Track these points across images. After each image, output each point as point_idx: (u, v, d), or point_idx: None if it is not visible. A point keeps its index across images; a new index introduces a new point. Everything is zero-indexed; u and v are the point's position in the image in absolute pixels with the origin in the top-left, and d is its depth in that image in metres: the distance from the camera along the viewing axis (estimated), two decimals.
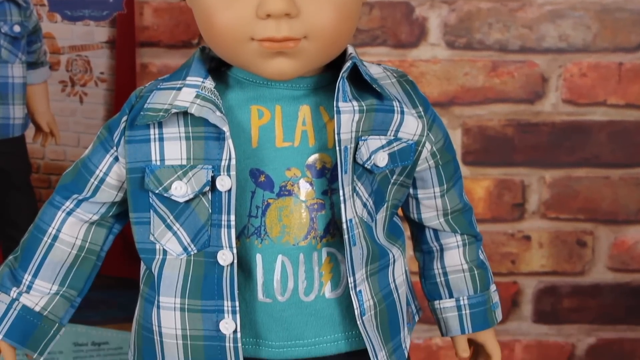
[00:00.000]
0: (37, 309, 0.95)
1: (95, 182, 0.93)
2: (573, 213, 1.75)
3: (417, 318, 1.01)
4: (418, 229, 1.01)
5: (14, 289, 0.95)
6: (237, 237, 0.88)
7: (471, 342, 1.03)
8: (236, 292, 0.86)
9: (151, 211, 0.90)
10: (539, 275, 1.77)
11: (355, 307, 0.87)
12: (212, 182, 0.86)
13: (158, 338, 0.91)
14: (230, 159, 0.85)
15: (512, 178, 1.74)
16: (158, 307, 0.90)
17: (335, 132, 0.85)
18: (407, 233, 1.02)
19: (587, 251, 1.77)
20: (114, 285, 1.45)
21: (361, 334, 0.89)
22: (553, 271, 1.77)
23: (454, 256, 1.00)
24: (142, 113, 0.88)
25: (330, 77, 0.89)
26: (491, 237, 1.74)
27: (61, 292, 0.96)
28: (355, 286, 0.87)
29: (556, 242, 1.76)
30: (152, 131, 0.88)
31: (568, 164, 1.74)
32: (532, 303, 1.78)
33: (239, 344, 0.86)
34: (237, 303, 0.86)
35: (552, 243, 1.76)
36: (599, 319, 1.79)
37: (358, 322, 0.88)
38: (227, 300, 0.86)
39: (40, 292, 0.95)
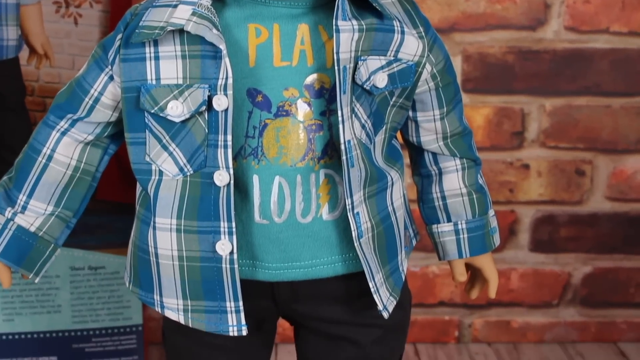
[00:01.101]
0: (32, 229, 0.94)
1: (90, 102, 0.91)
2: (572, 142, 1.74)
3: (414, 242, 1.01)
4: (417, 152, 1.00)
5: (9, 209, 0.94)
6: (234, 158, 0.87)
7: (468, 267, 1.03)
8: (232, 213, 0.85)
9: (147, 131, 0.89)
10: (537, 204, 1.77)
11: (352, 229, 0.87)
12: (209, 102, 0.85)
13: (154, 259, 0.90)
14: (227, 78, 0.84)
15: (512, 106, 1.73)
16: (154, 228, 0.89)
17: (334, 51, 0.84)
18: (407, 161, 1.01)
19: (586, 180, 1.76)
20: (110, 209, 1.44)
21: (358, 256, 0.89)
22: (551, 200, 1.77)
23: (453, 180, 0.99)
24: (137, 31, 0.86)
25: None
26: (490, 166, 1.73)
27: (56, 213, 0.95)
28: (352, 208, 0.87)
29: (555, 171, 1.75)
30: (147, 49, 0.86)
31: (569, 92, 1.72)
32: (530, 232, 1.78)
33: (236, 265, 0.86)
34: (233, 224, 0.85)
35: (551, 172, 1.75)
36: (596, 248, 1.79)
37: (355, 245, 0.87)
38: (224, 222, 0.86)
39: (35, 212, 0.94)
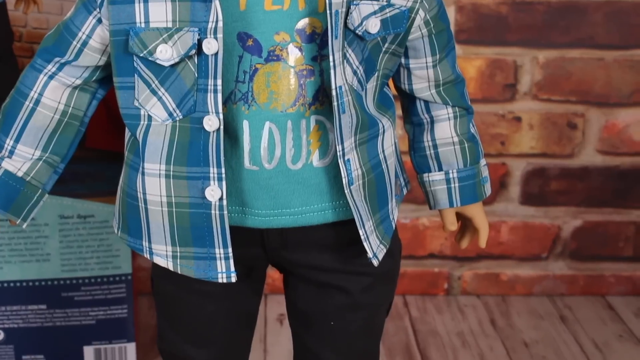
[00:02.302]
0: (20, 174, 0.93)
1: (78, 45, 0.90)
2: (565, 95, 1.74)
3: (405, 191, 1.00)
4: (409, 100, 0.99)
5: None
6: (224, 103, 0.86)
7: (459, 216, 1.03)
8: (222, 158, 0.84)
9: (135, 76, 0.88)
10: (528, 157, 1.77)
11: (343, 176, 0.86)
12: (199, 45, 0.83)
13: (143, 205, 0.89)
14: (217, 21, 0.82)
15: (505, 58, 1.71)
16: (143, 174, 0.88)
17: None
18: (399, 112, 1.00)
19: (578, 134, 1.76)
20: (99, 157, 1.43)
21: (348, 204, 0.88)
22: (542, 153, 1.76)
23: (445, 128, 0.98)
24: None
25: None
26: (481, 118, 1.73)
27: (44, 158, 0.94)
28: (343, 155, 0.86)
29: (547, 124, 1.75)
30: None
31: (562, 44, 1.71)
32: (520, 185, 1.78)
33: (225, 212, 0.85)
34: (223, 170, 0.85)
35: (543, 125, 1.75)
36: (586, 201, 1.79)
37: (346, 192, 0.87)
38: (213, 167, 0.85)
39: (22, 157, 0.93)
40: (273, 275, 1.80)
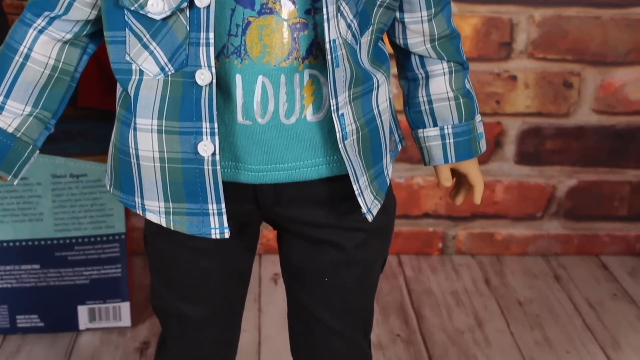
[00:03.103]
0: (10, 130, 0.92)
1: None
2: (561, 53, 1.72)
3: (399, 147, 0.99)
4: (403, 55, 0.98)
5: None
6: (216, 57, 0.84)
7: (454, 173, 1.02)
8: (215, 113, 0.83)
9: (126, 29, 0.86)
10: (524, 116, 1.76)
11: (337, 130, 0.85)
12: None
13: (135, 161, 0.88)
14: None
15: (501, 16, 1.70)
16: (135, 129, 0.87)
17: None
18: (394, 71, 0.99)
19: (573, 93, 1.75)
20: (91, 116, 1.42)
21: (343, 159, 0.87)
22: (538, 112, 1.76)
23: (440, 84, 0.97)
24: None
25: None
26: (477, 77, 1.71)
27: (35, 114, 0.93)
28: (337, 109, 0.85)
29: (542, 82, 1.74)
30: None
31: (558, 2, 1.69)
32: (515, 144, 1.77)
33: (218, 167, 0.85)
34: (215, 125, 0.84)
35: (538, 84, 1.73)
36: (581, 161, 1.79)
37: (340, 146, 0.86)
38: (206, 122, 0.84)
39: (12, 113, 0.92)
40: (267, 235, 1.79)
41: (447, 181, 1.00)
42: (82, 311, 1.50)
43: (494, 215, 1.81)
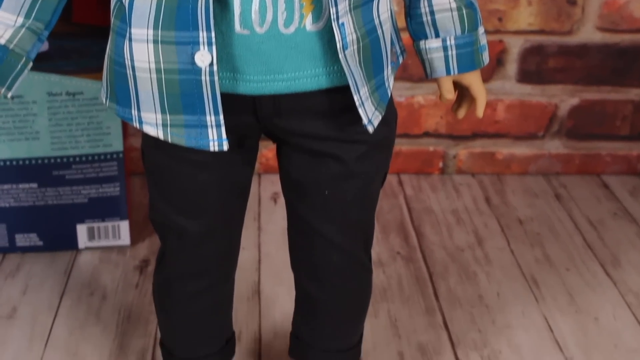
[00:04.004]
0: (2, 41, 0.90)
1: None
2: None
3: (401, 59, 0.97)
4: None
5: None
6: None
7: (456, 86, 1.00)
8: (212, 22, 0.81)
9: None
10: (526, 33, 1.73)
11: (337, 40, 0.83)
12: None
13: (131, 73, 0.87)
14: None
15: None
16: (130, 40, 0.85)
17: None
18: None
19: (577, 10, 1.72)
20: (87, 33, 1.39)
21: (343, 69, 0.86)
22: (540, 30, 1.73)
23: None
24: None
25: None
26: None
27: (27, 25, 0.91)
28: (337, 18, 0.83)
29: None
30: None
31: None
32: (517, 62, 1.75)
33: (215, 78, 0.83)
34: (212, 34, 0.82)
35: (542, 0, 1.70)
36: (584, 79, 1.77)
37: (340, 56, 0.84)
38: (203, 31, 0.82)
39: (4, 24, 0.90)
40: (267, 154, 1.78)
41: (449, 93, 0.98)
42: (81, 230, 1.49)
43: (495, 135, 1.80)
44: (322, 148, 0.91)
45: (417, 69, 1.73)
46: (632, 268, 1.49)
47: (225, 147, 0.85)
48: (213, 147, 0.86)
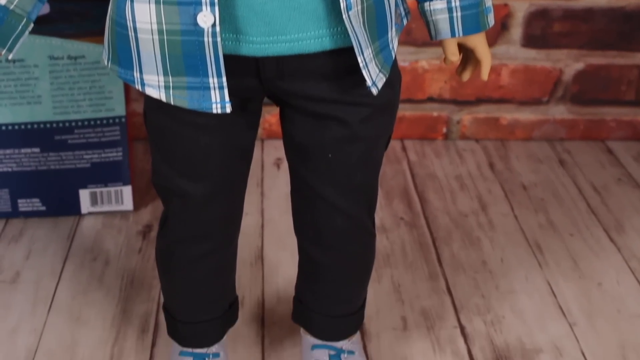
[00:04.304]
0: (3, 2, 0.89)
1: None
2: None
3: (405, 21, 0.96)
4: None
5: None
6: None
7: (461, 48, 0.99)
8: None
9: None
10: None
11: (341, 0, 0.82)
12: None
13: (133, 34, 0.86)
14: None
15: None
16: (132, 1, 0.84)
17: None
18: None
19: None
20: None
21: (347, 31, 0.85)
22: None
23: None
24: None
25: None
26: None
27: None
28: None
29: None
30: None
31: None
32: (522, 26, 1.73)
33: (218, 39, 0.82)
34: None
35: None
36: (589, 44, 1.75)
37: (344, 17, 0.83)
38: None
39: None
40: (270, 120, 1.77)
41: (454, 55, 0.97)
42: (84, 195, 1.49)
43: (499, 100, 1.79)
44: (325, 111, 0.91)
45: (421, 33, 1.71)
46: (635, 234, 1.48)
47: (228, 110, 0.85)
48: (216, 109, 0.85)
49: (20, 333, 1.22)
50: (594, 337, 1.23)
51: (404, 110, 1.78)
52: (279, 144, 1.73)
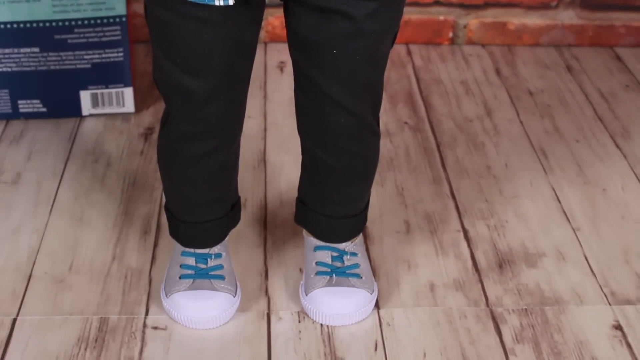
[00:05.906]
0: None
1: None
2: None
3: None
4: None
5: None
6: None
7: None
8: None
9: None
10: None
11: None
12: None
13: None
14: None
15: None
16: None
17: None
18: None
19: None
20: None
21: None
22: None
23: None
24: None
25: None
26: None
27: None
28: None
29: None
30: None
31: None
32: None
33: None
34: None
35: None
36: None
37: None
38: None
39: None
40: (273, 22, 1.74)
41: None
42: (85, 96, 1.47)
43: (507, 4, 1.75)
44: (330, 5, 0.88)
45: None
46: None
47: (231, 2, 0.82)
48: (218, 1, 0.83)
49: (23, 233, 1.21)
50: (597, 242, 1.23)
51: (410, 14, 1.74)
52: (282, 47, 1.71)
